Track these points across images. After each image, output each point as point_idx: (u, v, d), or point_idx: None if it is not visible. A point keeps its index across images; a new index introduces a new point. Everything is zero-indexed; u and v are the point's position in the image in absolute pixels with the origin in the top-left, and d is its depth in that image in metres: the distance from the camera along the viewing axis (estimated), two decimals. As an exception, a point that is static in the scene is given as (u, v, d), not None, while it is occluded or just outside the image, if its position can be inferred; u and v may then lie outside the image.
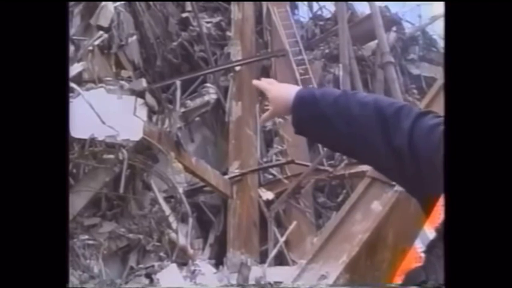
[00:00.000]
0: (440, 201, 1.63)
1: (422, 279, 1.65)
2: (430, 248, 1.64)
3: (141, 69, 10.47)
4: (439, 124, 1.85)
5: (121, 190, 8.20)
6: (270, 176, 10.26)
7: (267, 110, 2.30)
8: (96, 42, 9.21)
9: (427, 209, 1.73)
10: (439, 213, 1.62)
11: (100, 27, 9.48)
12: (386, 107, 2.00)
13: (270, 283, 7.78)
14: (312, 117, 2.10)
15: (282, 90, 2.21)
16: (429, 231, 1.63)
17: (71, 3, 9.23)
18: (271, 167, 10.29)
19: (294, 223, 9.35)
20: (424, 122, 1.90)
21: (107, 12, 9.62)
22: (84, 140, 7.89)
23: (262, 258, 8.95)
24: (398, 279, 1.65)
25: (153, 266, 8.07)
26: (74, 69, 8.46)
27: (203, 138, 10.81)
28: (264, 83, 2.33)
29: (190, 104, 10.31)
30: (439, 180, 1.65)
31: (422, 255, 1.63)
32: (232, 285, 8.00)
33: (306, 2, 14.34)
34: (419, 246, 1.64)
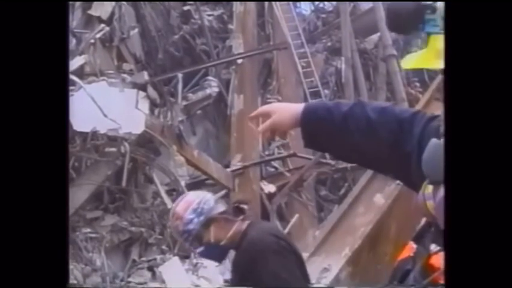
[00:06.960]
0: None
1: (407, 267, 1.66)
2: (418, 238, 1.65)
3: (143, 62, 10.45)
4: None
5: (123, 183, 8.20)
6: (272, 169, 10.25)
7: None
8: (98, 35, 9.18)
9: None
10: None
11: (100, 19, 9.46)
12: (401, 112, 1.99)
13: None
14: (324, 127, 2.03)
15: (287, 105, 2.13)
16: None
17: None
18: (273, 160, 10.28)
19: (296, 216, 9.34)
20: (431, 127, 1.88)
21: (106, 3, 9.59)
22: (86, 133, 7.88)
23: (264, 251, 8.94)
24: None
25: (155, 259, 8.07)
26: (76, 62, 8.44)
27: (205, 131, 10.80)
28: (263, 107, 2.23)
29: (192, 97, 10.30)
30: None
31: (414, 245, 1.65)
32: (234, 278, 8.00)
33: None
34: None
